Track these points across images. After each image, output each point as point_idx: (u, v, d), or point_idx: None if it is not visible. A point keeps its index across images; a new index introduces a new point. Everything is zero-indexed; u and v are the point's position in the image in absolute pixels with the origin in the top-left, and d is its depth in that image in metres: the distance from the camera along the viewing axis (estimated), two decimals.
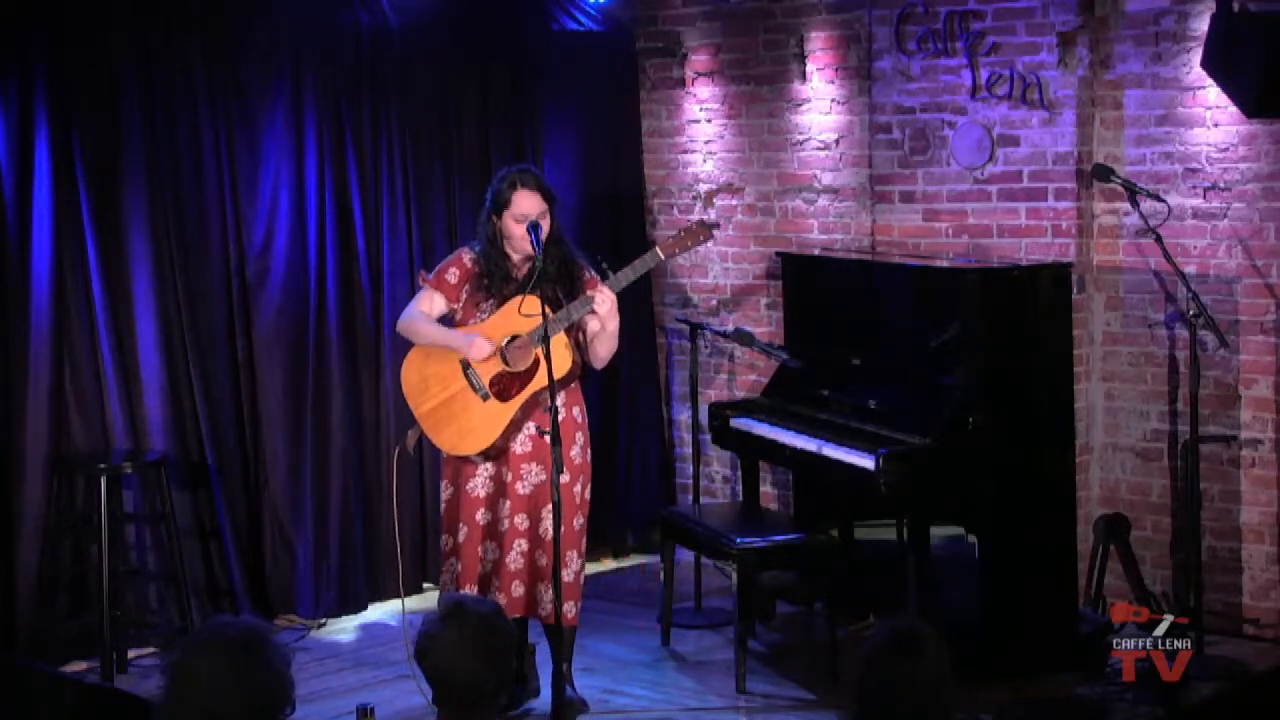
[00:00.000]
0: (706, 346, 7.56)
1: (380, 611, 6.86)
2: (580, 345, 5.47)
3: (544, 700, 5.56)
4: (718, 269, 7.69)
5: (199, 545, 6.46)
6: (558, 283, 5.37)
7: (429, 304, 5.50)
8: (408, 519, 6.99)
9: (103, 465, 5.93)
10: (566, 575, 5.36)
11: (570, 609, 5.40)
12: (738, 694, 5.78)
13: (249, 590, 6.52)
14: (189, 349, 6.37)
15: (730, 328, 7.09)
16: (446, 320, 5.52)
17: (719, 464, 7.72)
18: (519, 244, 5.35)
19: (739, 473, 6.96)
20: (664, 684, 5.95)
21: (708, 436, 6.80)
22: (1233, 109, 6.02)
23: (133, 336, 6.26)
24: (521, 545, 5.40)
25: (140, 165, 6.23)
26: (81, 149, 6.07)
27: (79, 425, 6.16)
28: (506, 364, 5.33)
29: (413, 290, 6.97)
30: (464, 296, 5.46)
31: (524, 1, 7.51)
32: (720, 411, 6.66)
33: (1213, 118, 6.24)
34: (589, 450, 5.55)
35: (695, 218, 7.64)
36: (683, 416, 7.75)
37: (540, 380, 5.24)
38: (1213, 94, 6.15)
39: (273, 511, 6.64)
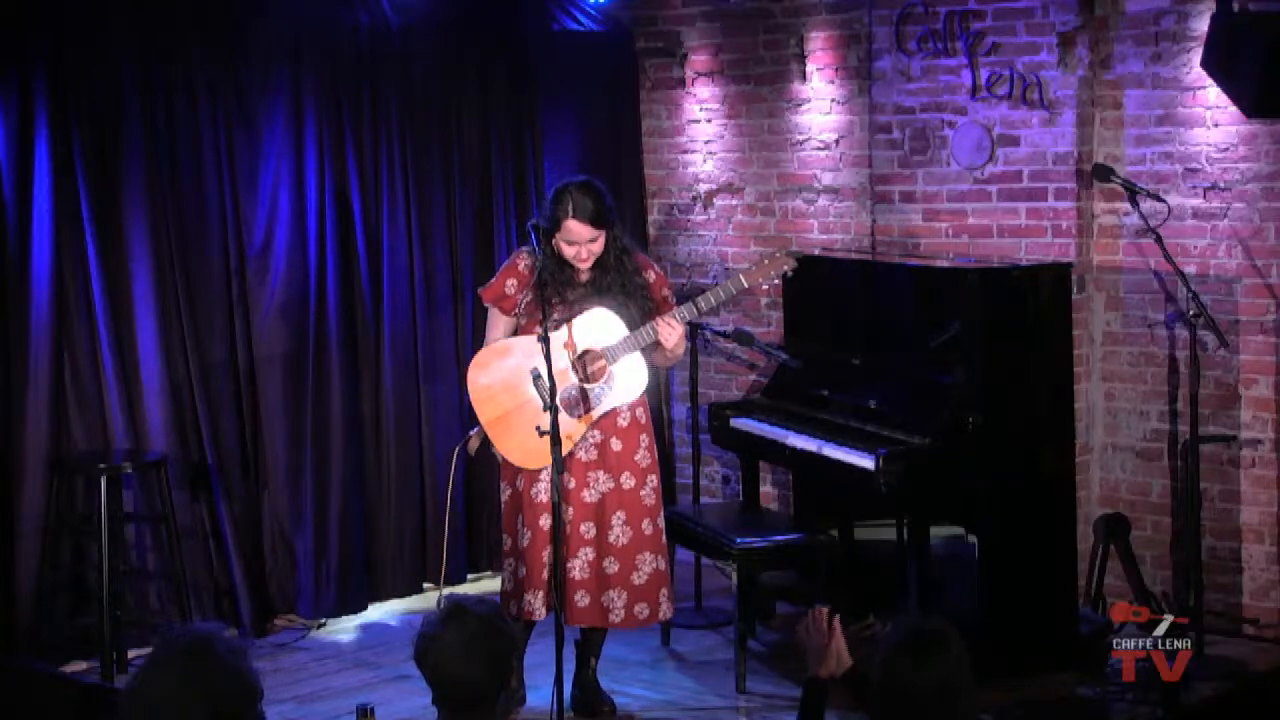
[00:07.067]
0: (706, 346, 7.56)
1: (380, 611, 6.86)
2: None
3: (540, 703, 5.55)
4: (718, 269, 7.68)
5: (199, 545, 6.45)
6: (626, 296, 5.36)
7: (499, 327, 5.44)
8: (410, 518, 7.01)
9: (103, 465, 5.93)
10: (637, 579, 5.40)
11: (643, 610, 5.44)
12: (738, 694, 5.79)
13: (249, 590, 6.51)
14: (189, 349, 6.36)
15: (730, 328, 7.09)
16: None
17: (719, 464, 7.72)
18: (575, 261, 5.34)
19: (739, 473, 6.96)
20: (664, 684, 5.95)
21: (708, 436, 6.79)
22: (1233, 109, 6.02)
23: (133, 336, 6.25)
24: (588, 554, 5.37)
25: (140, 165, 6.23)
26: (81, 149, 6.07)
27: (79, 425, 6.16)
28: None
29: (412, 291, 6.99)
30: (523, 303, 5.37)
31: (524, 1, 7.50)
32: (720, 411, 6.66)
33: (1213, 118, 6.24)
34: (655, 451, 5.54)
35: (696, 218, 7.65)
36: (682, 416, 7.74)
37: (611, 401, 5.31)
38: (1213, 94, 6.14)
39: (273, 511, 6.63)
